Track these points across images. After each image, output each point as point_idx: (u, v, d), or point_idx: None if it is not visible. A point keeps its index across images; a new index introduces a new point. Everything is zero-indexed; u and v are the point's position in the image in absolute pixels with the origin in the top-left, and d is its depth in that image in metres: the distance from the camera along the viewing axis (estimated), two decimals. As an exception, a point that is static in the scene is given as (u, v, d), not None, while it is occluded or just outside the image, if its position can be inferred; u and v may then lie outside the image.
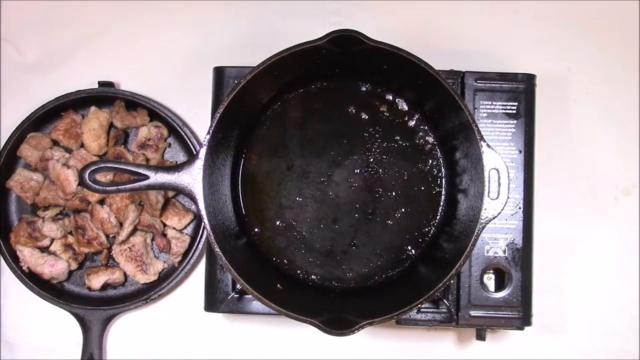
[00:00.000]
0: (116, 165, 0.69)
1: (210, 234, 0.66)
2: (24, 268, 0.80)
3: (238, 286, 0.74)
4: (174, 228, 0.83)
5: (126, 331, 0.83)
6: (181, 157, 0.85)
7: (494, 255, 0.73)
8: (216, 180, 0.71)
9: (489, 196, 0.64)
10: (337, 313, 0.69)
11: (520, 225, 0.74)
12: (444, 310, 0.73)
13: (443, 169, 0.77)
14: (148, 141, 0.82)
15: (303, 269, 0.76)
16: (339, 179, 0.76)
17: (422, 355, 0.82)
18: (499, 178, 0.65)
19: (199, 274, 0.82)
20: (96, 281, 0.80)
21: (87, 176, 0.66)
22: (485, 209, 0.65)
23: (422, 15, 0.85)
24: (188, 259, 0.81)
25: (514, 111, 0.74)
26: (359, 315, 0.66)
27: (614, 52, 0.84)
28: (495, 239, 0.73)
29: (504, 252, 0.73)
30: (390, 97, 0.78)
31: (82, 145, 0.83)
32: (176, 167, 0.66)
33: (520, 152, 0.74)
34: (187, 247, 0.82)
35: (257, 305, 0.74)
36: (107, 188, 0.67)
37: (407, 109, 0.78)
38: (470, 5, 0.85)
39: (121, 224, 0.80)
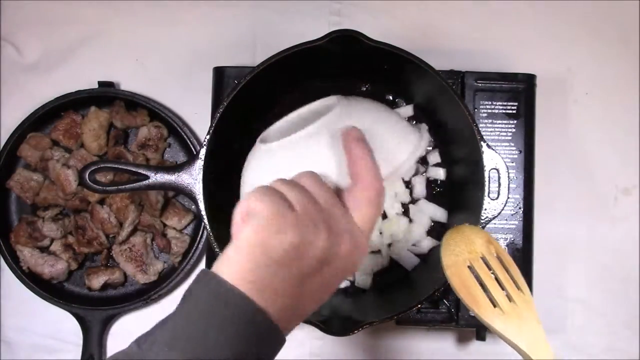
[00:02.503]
0: (116, 165, 0.69)
1: (211, 234, 0.66)
2: (24, 268, 0.80)
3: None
4: (174, 228, 0.83)
5: (126, 331, 0.83)
6: (181, 157, 0.85)
7: (494, 255, 0.73)
8: (216, 180, 0.71)
9: (489, 196, 0.65)
10: (338, 313, 0.69)
11: (520, 225, 0.74)
12: (444, 310, 0.73)
13: (443, 170, 0.77)
14: (148, 141, 0.82)
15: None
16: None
17: (422, 355, 0.82)
18: (499, 178, 0.65)
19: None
20: (96, 281, 0.80)
21: (87, 176, 0.66)
22: (485, 209, 0.65)
23: (422, 15, 0.85)
24: (188, 259, 0.80)
25: (514, 111, 0.74)
26: (359, 315, 0.66)
27: (614, 52, 0.84)
28: (495, 239, 0.73)
29: (504, 252, 0.73)
30: (390, 97, 0.78)
31: (82, 145, 0.83)
32: (176, 167, 0.66)
33: (520, 152, 0.74)
34: (187, 247, 0.82)
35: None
36: (107, 188, 0.67)
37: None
38: (471, 5, 0.85)
39: (121, 224, 0.80)
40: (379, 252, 0.75)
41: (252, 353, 0.39)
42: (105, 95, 0.82)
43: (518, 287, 0.57)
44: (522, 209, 0.74)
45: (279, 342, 0.41)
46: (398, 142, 0.53)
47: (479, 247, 0.58)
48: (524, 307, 0.56)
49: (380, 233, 0.75)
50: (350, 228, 0.43)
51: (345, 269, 0.44)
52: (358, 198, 0.45)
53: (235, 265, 0.40)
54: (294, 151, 0.52)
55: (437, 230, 0.76)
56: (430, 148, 0.77)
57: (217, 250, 0.65)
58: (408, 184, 0.77)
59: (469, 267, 0.57)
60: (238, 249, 0.40)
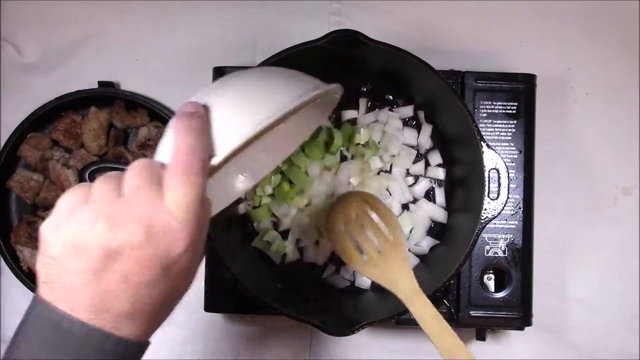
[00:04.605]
0: (116, 166, 0.69)
1: (212, 235, 0.66)
2: (24, 268, 0.81)
3: (238, 286, 0.74)
4: (174, 228, 0.83)
5: (126, 331, 0.83)
6: (181, 157, 0.84)
7: (494, 255, 0.73)
8: (216, 180, 0.70)
9: (489, 196, 0.65)
10: (337, 313, 0.69)
11: (520, 225, 0.74)
12: (444, 310, 0.73)
13: (443, 170, 0.77)
14: (148, 141, 0.82)
15: (304, 269, 0.76)
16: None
17: (422, 355, 0.82)
18: (498, 178, 0.65)
19: (199, 274, 0.82)
20: (96, 281, 0.80)
21: (87, 176, 0.66)
22: (485, 209, 0.65)
23: (422, 15, 0.85)
24: (188, 259, 0.80)
25: (514, 111, 0.74)
26: (359, 315, 0.66)
27: (614, 52, 0.84)
28: (495, 239, 0.73)
29: (504, 252, 0.73)
30: (391, 97, 0.78)
31: (82, 145, 0.83)
32: (176, 167, 0.66)
33: (520, 152, 0.74)
34: (187, 247, 0.82)
35: (257, 305, 0.74)
36: (107, 188, 0.67)
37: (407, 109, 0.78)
38: (470, 5, 0.85)
39: (121, 224, 0.80)
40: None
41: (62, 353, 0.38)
42: (105, 95, 0.82)
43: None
44: (522, 209, 0.74)
45: (100, 337, 0.39)
46: (273, 94, 0.46)
47: (353, 209, 0.67)
48: (391, 252, 0.64)
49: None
50: (151, 215, 0.39)
51: (153, 258, 0.39)
52: (167, 178, 0.41)
53: (37, 266, 0.40)
54: (169, 131, 0.46)
55: (437, 230, 0.76)
56: (430, 147, 0.77)
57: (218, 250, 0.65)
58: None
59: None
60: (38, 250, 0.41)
